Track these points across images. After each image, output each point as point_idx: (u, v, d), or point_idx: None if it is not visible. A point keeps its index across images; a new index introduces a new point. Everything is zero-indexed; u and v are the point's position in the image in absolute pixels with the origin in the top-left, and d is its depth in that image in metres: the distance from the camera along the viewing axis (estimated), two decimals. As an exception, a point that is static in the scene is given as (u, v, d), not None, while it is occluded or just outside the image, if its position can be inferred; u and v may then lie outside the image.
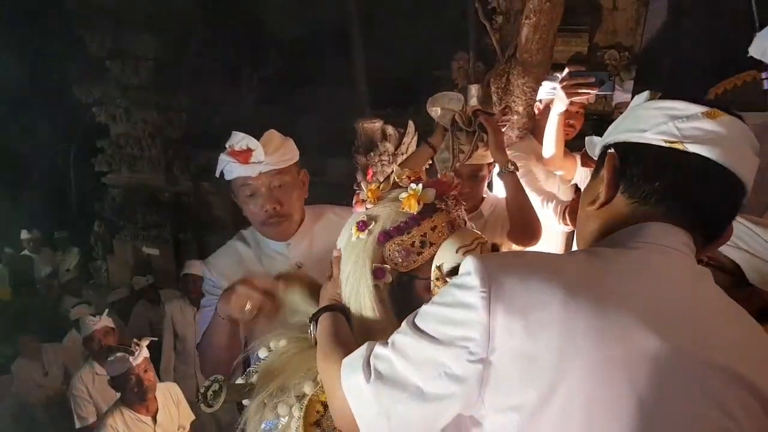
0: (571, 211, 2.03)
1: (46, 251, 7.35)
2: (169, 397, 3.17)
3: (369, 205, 1.18)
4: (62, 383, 4.52)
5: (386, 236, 1.13)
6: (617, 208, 0.94)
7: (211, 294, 1.81)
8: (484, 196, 2.27)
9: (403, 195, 1.14)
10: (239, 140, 1.67)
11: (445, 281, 1.11)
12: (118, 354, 2.93)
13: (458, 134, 1.99)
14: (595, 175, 1.01)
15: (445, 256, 1.12)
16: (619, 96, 2.76)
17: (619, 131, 0.97)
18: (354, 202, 1.20)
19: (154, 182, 6.80)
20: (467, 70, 5.91)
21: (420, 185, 1.14)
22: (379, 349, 0.94)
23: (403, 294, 1.17)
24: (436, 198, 1.15)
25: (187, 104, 6.56)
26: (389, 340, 0.94)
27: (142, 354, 2.97)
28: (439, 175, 2.02)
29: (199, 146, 6.48)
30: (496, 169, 2.16)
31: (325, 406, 1.16)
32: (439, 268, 1.12)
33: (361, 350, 0.98)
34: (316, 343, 1.17)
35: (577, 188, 2.72)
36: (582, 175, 2.58)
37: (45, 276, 6.91)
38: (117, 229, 7.28)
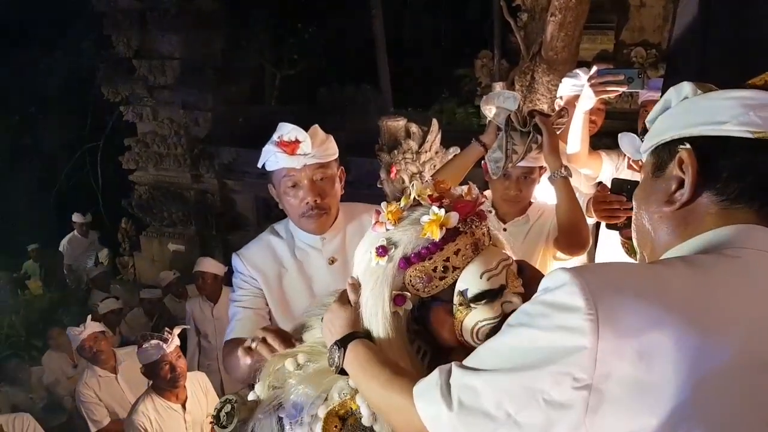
0: (595, 201, 1.99)
1: (93, 234, 7.55)
2: (198, 386, 3.22)
3: (389, 226, 1.12)
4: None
5: (407, 262, 1.08)
6: (702, 207, 0.87)
7: (242, 289, 1.84)
8: (532, 200, 2.22)
9: (425, 218, 1.08)
10: (288, 131, 1.69)
11: (469, 307, 1.08)
12: (153, 341, 2.98)
13: (512, 134, 1.92)
14: (658, 173, 0.93)
15: (469, 281, 1.08)
16: (643, 95, 2.73)
17: (685, 126, 0.89)
18: (373, 223, 1.15)
19: (180, 180, 6.88)
20: (491, 68, 5.89)
21: (442, 210, 1.07)
22: (458, 376, 0.87)
23: (423, 318, 1.14)
24: (460, 221, 1.08)
25: (211, 103, 6.63)
26: (468, 365, 0.88)
27: (174, 342, 3.02)
28: (490, 174, 2.02)
29: (223, 144, 6.54)
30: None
31: (343, 419, 1.15)
32: (462, 293, 1.08)
33: (434, 378, 0.91)
34: (339, 371, 1.12)
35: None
36: (608, 173, 2.55)
37: (80, 266, 7.06)
38: (144, 226, 7.40)
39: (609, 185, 1.95)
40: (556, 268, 0.84)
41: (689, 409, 0.74)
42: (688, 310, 0.75)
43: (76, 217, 7.30)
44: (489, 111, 2.00)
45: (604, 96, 2.16)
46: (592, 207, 1.99)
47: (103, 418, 3.54)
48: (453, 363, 0.90)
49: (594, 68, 2.16)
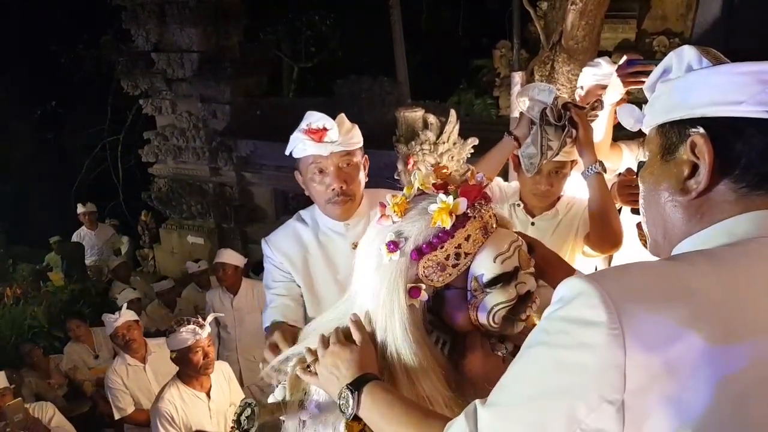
0: (620, 186, 1.94)
1: (104, 227, 7.56)
2: (221, 374, 3.25)
3: (396, 219, 1.10)
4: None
5: (419, 254, 1.07)
6: (719, 195, 0.81)
7: (272, 274, 1.91)
8: (561, 194, 2.18)
9: (433, 207, 1.07)
10: (317, 119, 1.75)
11: (484, 291, 1.08)
12: (189, 326, 3.00)
13: (546, 129, 1.88)
14: (667, 157, 0.86)
15: (483, 266, 1.07)
16: None
17: (695, 105, 0.81)
18: (379, 216, 1.13)
19: (199, 172, 6.92)
20: (510, 58, 5.82)
21: (450, 197, 1.06)
22: (487, 420, 0.81)
23: (437, 307, 1.14)
24: (468, 206, 1.07)
25: (229, 96, 6.65)
26: (495, 401, 0.82)
27: (206, 329, 3.06)
28: (524, 171, 1.99)
29: (241, 137, 6.56)
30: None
31: None
32: (477, 279, 1.07)
33: (461, 425, 0.86)
34: (354, 418, 1.07)
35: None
36: (628, 165, 2.51)
37: (97, 259, 7.13)
38: (163, 219, 7.46)
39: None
40: (573, 276, 0.78)
41: (725, 419, 0.70)
42: (716, 316, 0.71)
43: (80, 209, 7.24)
44: (522, 103, 1.96)
45: (634, 87, 2.09)
46: (617, 191, 1.95)
47: (127, 406, 3.61)
48: (477, 403, 0.85)
49: (624, 58, 2.09)
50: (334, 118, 1.83)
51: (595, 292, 0.71)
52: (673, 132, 0.85)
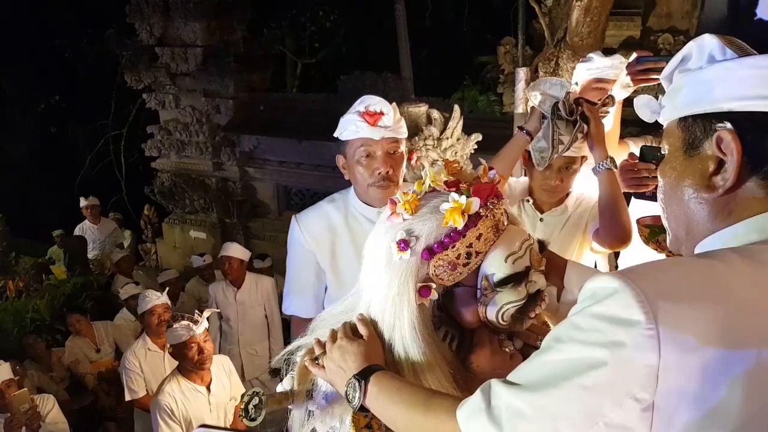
0: (623, 170, 1.94)
1: (106, 221, 7.57)
2: (222, 369, 3.27)
3: (406, 216, 1.09)
4: (114, 360, 4.68)
5: (430, 253, 1.06)
6: (747, 192, 0.79)
7: (296, 255, 1.96)
8: (570, 191, 2.18)
9: (445, 206, 1.05)
10: (375, 103, 1.79)
11: (494, 291, 1.07)
12: (183, 322, 3.03)
13: (558, 123, 1.88)
14: (691, 152, 0.83)
15: (494, 265, 1.06)
16: None
17: (721, 99, 0.78)
18: (389, 213, 1.12)
19: (202, 167, 6.92)
20: (514, 54, 5.80)
21: (463, 197, 1.04)
22: (505, 397, 0.80)
23: (446, 303, 1.13)
24: (480, 206, 1.06)
25: (233, 91, 6.64)
26: (517, 382, 0.80)
27: (203, 324, 3.07)
28: (534, 164, 1.99)
29: (244, 132, 6.56)
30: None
31: None
32: (487, 278, 1.07)
33: (476, 401, 0.84)
34: (360, 408, 1.06)
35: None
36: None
37: (99, 253, 7.13)
38: (166, 213, 7.47)
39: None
40: (604, 272, 0.77)
41: (759, 423, 0.69)
42: (752, 318, 0.69)
43: (82, 202, 7.28)
44: (534, 98, 1.96)
45: (645, 84, 2.08)
46: (620, 175, 1.95)
47: (140, 389, 3.65)
48: (492, 381, 0.84)
49: (634, 55, 2.08)
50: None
51: (631, 290, 0.70)
52: (697, 126, 0.82)
